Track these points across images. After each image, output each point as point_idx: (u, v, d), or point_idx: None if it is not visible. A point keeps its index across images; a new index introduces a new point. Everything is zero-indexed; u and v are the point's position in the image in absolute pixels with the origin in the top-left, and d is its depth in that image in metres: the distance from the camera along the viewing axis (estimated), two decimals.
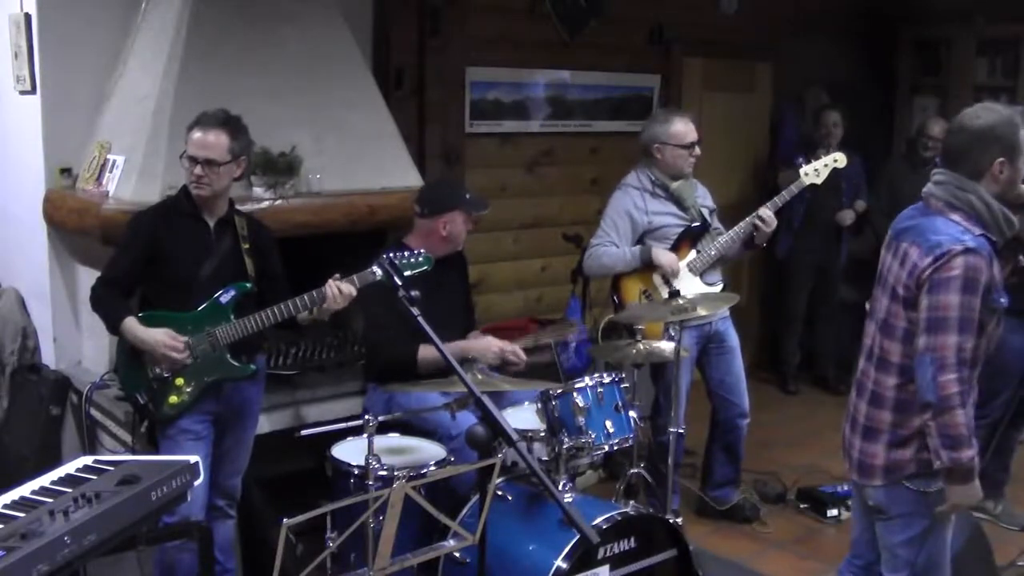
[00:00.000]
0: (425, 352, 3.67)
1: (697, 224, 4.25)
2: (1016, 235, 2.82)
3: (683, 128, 4.21)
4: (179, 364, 3.24)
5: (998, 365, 4.35)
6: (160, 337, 3.21)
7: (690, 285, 4.15)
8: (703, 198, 4.36)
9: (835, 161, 4.30)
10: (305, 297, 3.26)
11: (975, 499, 2.69)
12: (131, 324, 3.23)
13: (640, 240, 4.24)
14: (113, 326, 3.27)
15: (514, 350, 3.79)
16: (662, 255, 4.16)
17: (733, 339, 4.38)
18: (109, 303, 3.29)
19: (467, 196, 3.92)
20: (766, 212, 4.20)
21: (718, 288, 4.28)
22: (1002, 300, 2.67)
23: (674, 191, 4.23)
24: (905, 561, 2.83)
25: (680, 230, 4.23)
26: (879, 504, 2.86)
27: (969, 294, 2.59)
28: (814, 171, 4.25)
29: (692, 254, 4.25)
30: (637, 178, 4.28)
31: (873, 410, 2.81)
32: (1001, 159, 2.66)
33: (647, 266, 4.19)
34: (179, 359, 3.23)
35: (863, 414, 2.85)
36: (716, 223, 4.35)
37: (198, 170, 3.22)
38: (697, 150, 4.24)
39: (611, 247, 4.21)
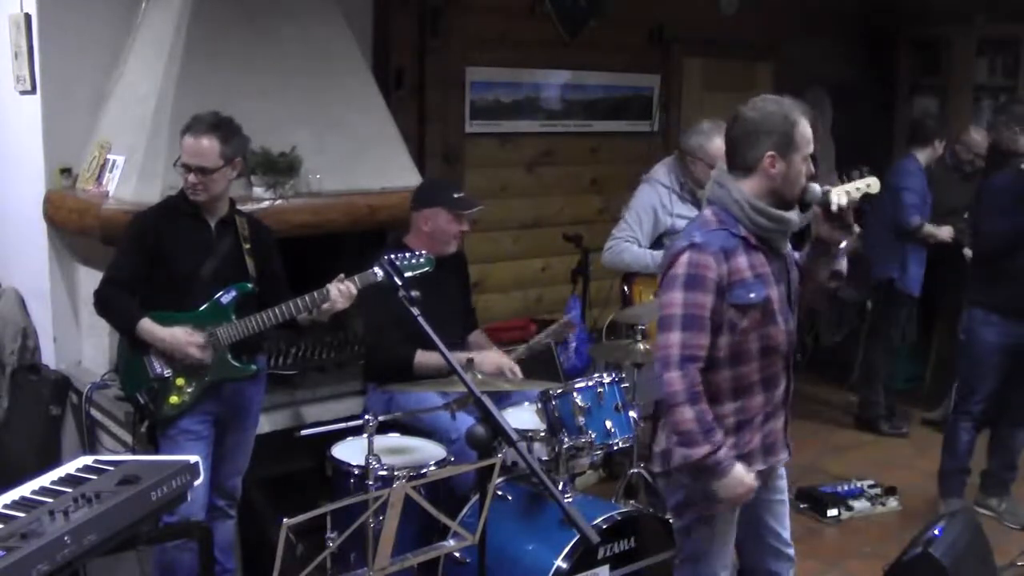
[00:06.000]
0: (422, 357, 3.66)
1: None
2: (820, 239, 2.73)
3: (721, 149, 4.15)
4: (201, 362, 3.23)
5: (972, 361, 4.41)
6: (181, 336, 3.21)
7: None
8: None
9: (868, 186, 3.61)
10: (307, 298, 3.26)
11: (739, 490, 2.63)
12: (149, 324, 3.21)
13: (659, 238, 4.23)
14: (129, 327, 3.25)
15: (512, 368, 3.77)
16: None
17: None
18: (120, 305, 3.27)
19: (453, 195, 3.85)
20: None
21: None
22: (751, 295, 2.60)
23: (700, 196, 4.21)
24: (678, 548, 2.87)
25: None
26: (662, 491, 2.91)
27: (693, 290, 2.56)
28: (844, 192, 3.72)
29: None
30: (667, 175, 4.26)
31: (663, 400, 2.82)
32: (772, 153, 2.60)
33: None
34: (201, 356, 3.23)
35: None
36: None
37: (192, 177, 3.21)
38: None
39: (633, 244, 4.21)
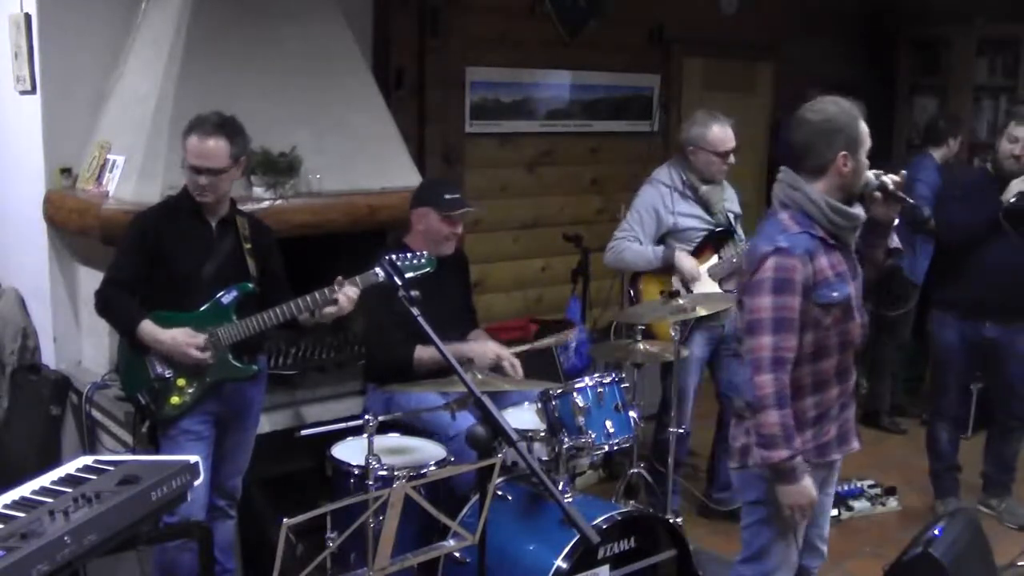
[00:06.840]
0: (422, 353, 3.67)
1: (721, 228, 4.20)
2: (878, 220, 2.83)
3: (720, 135, 4.15)
4: (202, 363, 3.23)
5: (938, 362, 4.45)
6: (180, 337, 3.20)
7: (709, 291, 4.13)
8: (731, 202, 4.31)
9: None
10: (308, 298, 3.26)
11: (803, 499, 2.69)
12: (150, 326, 3.20)
13: (662, 238, 4.21)
14: (130, 329, 3.23)
15: (511, 361, 3.77)
16: (684, 260, 4.13)
17: None
18: (121, 306, 3.26)
19: (444, 196, 3.82)
20: None
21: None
22: (834, 294, 2.67)
23: (703, 194, 4.19)
24: (745, 544, 2.91)
25: (703, 234, 4.20)
26: (736, 487, 2.98)
27: (782, 294, 2.63)
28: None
29: (714, 259, 4.22)
30: (669, 175, 4.24)
31: (740, 399, 2.86)
32: (844, 152, 2.67)
33: (667, 267, 4.17)
34: (201, 358, 3.22)
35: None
36: (739, 230, 4.27)
37: (202, 179, 3.20)
38: (732, 159, 4.19)
39: (635, 243, 4.19)
